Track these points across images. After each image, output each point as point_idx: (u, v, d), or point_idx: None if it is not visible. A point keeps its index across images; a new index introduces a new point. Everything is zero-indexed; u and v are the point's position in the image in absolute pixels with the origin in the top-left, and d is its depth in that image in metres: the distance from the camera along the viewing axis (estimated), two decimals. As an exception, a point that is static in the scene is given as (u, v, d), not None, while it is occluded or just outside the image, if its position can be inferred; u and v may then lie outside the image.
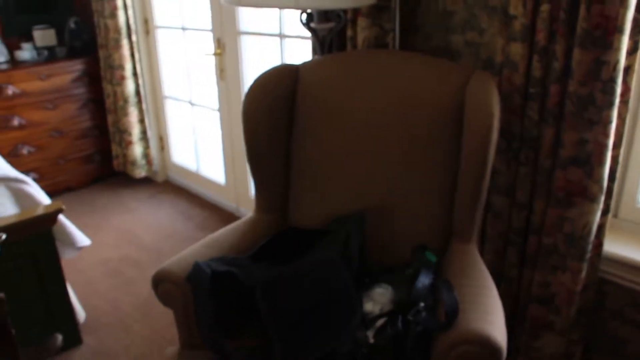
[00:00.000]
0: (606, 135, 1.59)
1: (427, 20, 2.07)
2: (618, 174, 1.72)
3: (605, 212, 1.73)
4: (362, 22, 2.03)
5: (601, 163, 1.63)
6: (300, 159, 1.88)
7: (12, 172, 2.32)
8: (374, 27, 2.03)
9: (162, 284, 1.59)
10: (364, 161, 1.79)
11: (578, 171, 1.66)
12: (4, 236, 1.86)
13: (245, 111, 1.81)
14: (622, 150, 1.67)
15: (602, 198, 1.69)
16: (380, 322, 1.41)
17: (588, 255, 1.76)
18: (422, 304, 1.40)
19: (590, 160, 1.64)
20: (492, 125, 1.53)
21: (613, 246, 1.83)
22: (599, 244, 1.78)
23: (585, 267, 1.78)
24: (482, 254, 2.00)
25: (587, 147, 1.63)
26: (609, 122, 1.58)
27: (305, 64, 1.90)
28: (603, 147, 1.61)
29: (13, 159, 3.69)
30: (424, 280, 1.42)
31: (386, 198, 1.76)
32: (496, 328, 1.28)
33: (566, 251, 1.76)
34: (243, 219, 1.92)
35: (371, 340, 1.37)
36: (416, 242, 1.69)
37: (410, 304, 1.39)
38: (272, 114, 1.82)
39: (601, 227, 1.76)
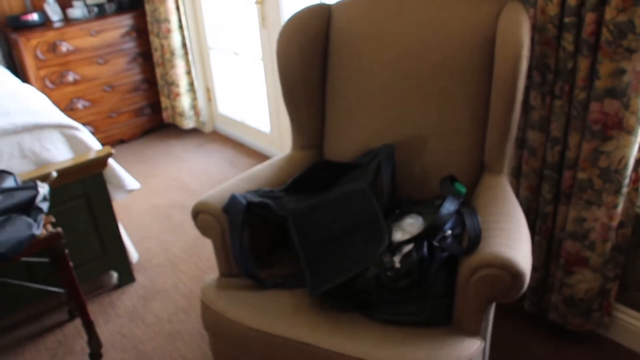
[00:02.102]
0: (645, 64, 1.55)
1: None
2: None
3: (643, 145, 1.70)
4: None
5: (639, 93, 1.59)
6: (334, 96, 1.91)
7: (65, 119, 2.44)
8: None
9: (200, 214, 1.67)
10: (396, 96, 1.80)
11: (615, 102, 1.63)
12: (55, 174, 1.98)
13: (279, 49, 1.84)
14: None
15: (640, 130, 1.65)
16: (407, 248, 1.44)
17: (624, 189, 1.74)
18: (448, 231, 1.43)
19: (627, 91, 1.60)
20: (520, 54, 1.51)
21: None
22: (636, 178, 1.75)
23: (621, 202, 1.75)
24: (517, 191, 2.00)
25: (624, 77, 1.59)
26: (648, 50, 1.53)
27: (337, 3, 1.91)
28: (640, 76, 1.57)
29: (69, 113, 3.86)
30: (449, 207, 1.44)
31: (418, 131, 1.77)
32: (519, 252, 1.30)
33: (601, 186, 1.74)
34: (280, 155, 1.97)
35: (397, 265, 1.41)
36: (447, 172, 1.70)
37: (437, 230, 1.42)
38: (305, 52, 1.85)
39: (639, 161, 1.72)
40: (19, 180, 1.93)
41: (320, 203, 1.60)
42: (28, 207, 1.79)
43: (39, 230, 1.73)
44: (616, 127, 1.65)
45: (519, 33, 1.52)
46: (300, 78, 1.86)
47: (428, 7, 1.76)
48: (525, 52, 1.53)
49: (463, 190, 1.58)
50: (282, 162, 1.89)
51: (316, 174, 1.75)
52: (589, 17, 1.59)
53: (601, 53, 1.59)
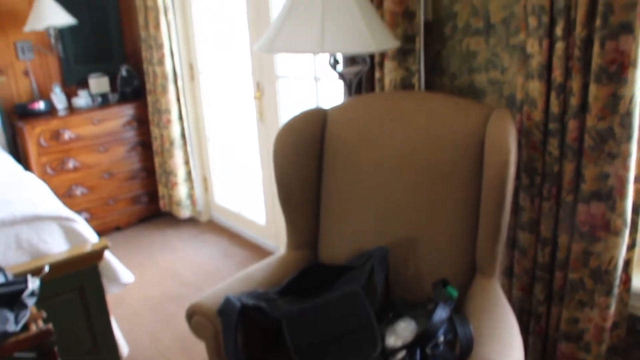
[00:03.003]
0: (626, 168, 1.60)
1: (452, 60, 2.14)
2: (644, 208, 1.72)
3: (631, 246, 1.72)
4: (388, 64, 2.11)
5: (623, 196, 1.63)
6: (328, 197, 1.96)
7: (63, 211, 2.47)
8: (400, 69, 2.11)
9: (195, 316, 1.67)
10: (388, 197, 1.85)
11: (601, 205, 1.67)
12: (47, 269, 1.99)
13: (276, 153, 1.90)
14: (645, 183, 1.68)
15: (627, 232, 1.68)
16: (400, 354, 1.44)
17: (616, 290, 1.75)
18: (441, 338, 1.43)
19: (612, 194, 1.65)
20: (508, 160, 1.56)
21: (645, 282, 1.81)
22: (627, 279, 1.77)
23: (613, 302, 1.76)
24: (510, 291, 2.01)
25: (608, 181, 1.64)
26: (629, 155, 1.59)
27: (333, 107, 2.00)
28: (624, 181, 1.61)
29: (67, 200, 3.90)
30: (441, 313, 1.45)
31: (410, 233, 1.80)
32: (511, 360, 1.30)
33: (593, 287, 1.75)
34: (275, 256, 2.00)
35: (390, 371, 1.40)
36: (439, 277, 1.72)
37: (429, 337, 1.42)
38: (301, 155, 1.91)
39: (628, 262, 1.74)
40: (10, 274, 1.93)
41: (314, 306, 1.61)
42: (13, 301, 1.77)
43: (17, 327, 1.70)
44: (604, 229, 1.69)
45: (506, 140, 1.58)
46: (295, 181, 1.91)
47: (419, 113, 1.84)
48: (513, 159, 1.58)
49: (455, 294, 1.59)
50: (277, 263, 1.91)
51: (310, 276, 1.77)
52: (572, 124, 1.66)
53: (585, 158, 1.65)
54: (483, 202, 1.67)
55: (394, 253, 1.81)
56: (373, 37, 1.79)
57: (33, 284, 1.80)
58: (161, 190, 4.32)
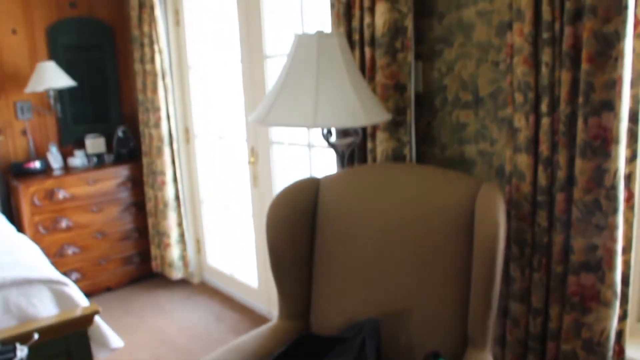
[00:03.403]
0: (614, 240, 1.63)
1: (442, 132, 2.20)
2: (633, 278, 1.73)
3: (623, 317, 1.73)
4: (380, 135, 2.17)
5: (612, 268, 1.65)
6: (320, 267, 1.96)
7: (54, 275, 2.46)
8: (391, 140, 2.16)
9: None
10: (380, 268, 1.86)
11: (590, 277, 1.68)
12: (36, 336, 1.97)
13: (268, 223, 1.93)
14: (632, 254, 1.70)
15: (618, 303, 1.69)
16: None
17: (609, 362, 1.74)
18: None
19: (601, 266, 1.66)
20: (497, 234, 1.59)
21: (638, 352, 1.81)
22: (620, 350, 1.76)
23: (606, 375, 1.75)
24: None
25: (597, 252, 1.66)
26: (616, 227, 1.62)
27: (325, 178, 2.03)
28: (612, 253, 1.64)
29: (59, 259, 3.88)
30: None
31: (402, 304, 1.80)
32: None
33: (586, 358, 1.75)
34: (266, 325, 1.98)
35: None
36: (431, 349, 1.71)
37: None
38: (294, 225, 1.93)
39: (621, 333, 1.75)
40: None
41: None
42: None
43: None
44: (594, 300, 1.70)
45: (496, 214, 1.61)
46: (288, 251, 1.93)
47: (410, 185, 1.87)
48: (502, 232, 1.61)
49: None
50: (268, 333, 1.90)
51: (301, 347, 1.75)
52: (560, 197, 1.69)
53: (574, 229, 1.68)
54: (474, 274, 1.68)
55: (386, 324, 1.80)
56: (365, 111, 1.85)
57: (21, 352, 1.78)
58: (154, 251, 4.31)
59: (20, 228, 3.65)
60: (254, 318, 3.63)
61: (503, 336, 1.98)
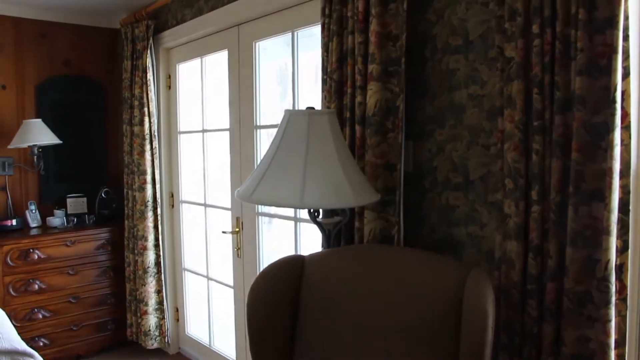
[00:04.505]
0: (607, 333, 1.58)
1: (431, 213, 2.18)
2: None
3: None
4: (368, 215, 2.14)
5: (605, 362, 1.60)
6: (303, 348, 1.89)
7: (20, 345, 2.35)
8: (379, 220, 2.13)
9: None
10: (366, 351, 1.79)
11: (582, 370, 1.63)
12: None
13: (249, 303, 1.88)
14: (627, 349, 1.65)
15: (610, 400, 1.63)
16: None
17: None
18: None
19: (593, 359, 1.61)
20: (486, 324, 1.54)
21: None
22: None
23: None
24: None
25: (589, 345, 1.61)
26: (608, 320, 1.58)
27: (310, 257, 1.99)
28: (605, 346, 1.59)
29: (27, 323, 3.73)
30: None
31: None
32: None
33: None
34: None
35: None
36: None
37: None
38: (276, 307, 1.89)
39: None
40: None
41: None
42: None
43: None
44: (586, 396, 1.63)
45: (484, 303, 1.57)
46: (268, 332, 1.87)
47: (396, 268, 1.83)
48: (491, 323, 1.56)
49: None
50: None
51: None
52: (550, 286, 1.66)
53: (564, 320, 1.64)
54: (462, 362, 1.62)
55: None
56: (353, 192, 1.83)
57: None
58: (129, 318, 4.16)
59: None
60: (231, 394, 3.48)
61: None
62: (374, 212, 2.14)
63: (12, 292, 3.73)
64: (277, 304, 1.87)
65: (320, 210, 2.07)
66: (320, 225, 2.07)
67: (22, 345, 2.34)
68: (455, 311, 1.68)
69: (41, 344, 3.81)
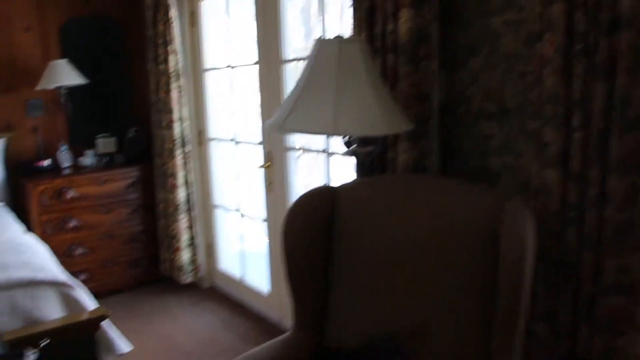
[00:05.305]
0: (648, 263, 1.56)
1: (465, 143, 2.13)
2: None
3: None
4: (401, 145, 2.10)
5: (643, 293, 1.58)
6: (337, 278, 1.90)
7: (62, 277, 2.41)
8: (413, 150, 2.10)
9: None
10: (399, 282, 1.79)
11: (622, 299, 1.61)
12: (46, 341, 1.92)
13: (285, 231, 1.88)
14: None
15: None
16: None
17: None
18: None
19: (634, 288, 1.59)
20: (526, 252, 1.52)
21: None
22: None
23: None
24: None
25: (630, 274, 1.59)
26: (651, 248, 1.55)
27: (344, 186, 1.97)
28: (646, 275, 1.57)
29: (66, 260, 3.82)
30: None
31: (420, 321, 1.74)
32: None
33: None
34: (281, 337, 1.93)
35: None
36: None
37: None
38: (310, 235, 1.88)
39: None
40: (4, 349, 1.87)
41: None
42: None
43: None
44: (627, 323, 1.62)
45: (524, 231, 1.54)
46: (304, 260, 1.87)
47: (432, 197, 1.81)
48: (531, 250, 1.54)
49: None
50: (281, 345, 1.84)
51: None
52: (590, 215, 1.63)
53: (605, 250, 1.61)
54: (499, 292, 1.61)
55: (404, 340, 1.73)
56: (386, 120, 1.79)
57: (32, 357, 1.74)
58: (163, 254, 4.25)
59: (28, 227, 3.60)
60: (264, 326, 3.57)
61: (527, 357, 1.91)
62: (407, 143, 2.10)
63: (50, 230, 3.83)
64: (311, 231, 1.87)
65: (354, 140, 2.04)
66: (354, 154, 2.04)
67: (64, 277, 2.41)
68: (493, 240, 1.65)
69: (81, 278, 3.92)
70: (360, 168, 2.11)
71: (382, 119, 1.78)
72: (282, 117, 1.81)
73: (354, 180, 2.02)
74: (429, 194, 1.85)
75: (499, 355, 1.65)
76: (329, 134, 1.75)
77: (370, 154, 2.07)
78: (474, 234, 1.70)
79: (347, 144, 2.04)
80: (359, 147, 2.06)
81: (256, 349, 1.81)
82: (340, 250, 1.90)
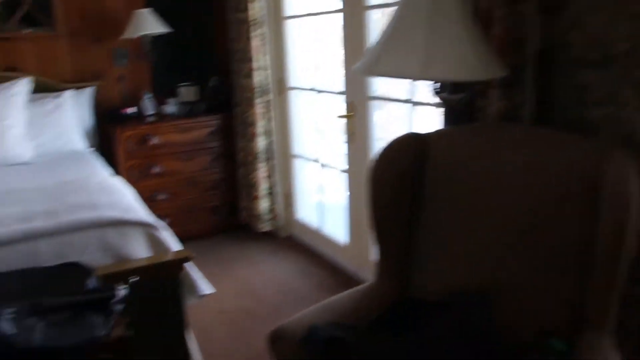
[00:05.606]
0: None
1: (563, 93, 1.99)
2: None
3: None
4: (493, 93, 1.99)
5: None
6: (424, 228, 1.86)
7: (149, 218, 2.48)
8: (505, 99, 1.98)
9: (278, 342, 1.61)
10: (490, 235, 1.72)
11: None
12: (136, 278, 1.98)
13: (372, 181, 1.84)
14: None
15: None
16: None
17: None
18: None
19: None
20: (630, 207, 1.41)
21: None
22: None
23: None
24: (620, 349, 1.82)
25: None
26: None
27: (434, 134, 1.90)
28: None
29: (150, 204, 3.92)
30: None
31: (510, 276, 1.67)
32: None
33: None
34: (363, 285, 1.91)
35: None
36: (542, 326, 1.57)
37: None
38: (397, 184, 1.83)
39: None
40: (98, 282, 1.94)
41: (405, 346, 1.50)
42: (102, 307, 1.79)
43: (102, 332, 1.71)
44: None
45: (630, 189, 1.44)
46: (391, 209, 1.84)
47: (526, 149, 1.71)
48: (635, 213, 1.42)
49: (562, 348, 1.44)
50: (365, 293, 1.83)
51: (401, 312, 1.67)
52: None
53: None
54: (599, 248, 1.51)
55: (492, 292, 1.67)
56: (481, 65, 1.69)
57: (122, 292, 1.81)
58: (242, 202, 4.32)
59: (116, 172, 3.73)
60: (341, 276, 3.58)
61: (623, 323, 1.80)
62: (499, 91, 1.98)
63: (136, 176, 3.95)
64: (399, 179, 1.82)
65: (444, 86, 1.95)
66: (444, 101, 1.96)
67: (151, 218, 2.48)
68: (593, 194, 1.55)
69: (164, 223, 4.05)
70: (449, 116, 2.02)
71: (476, 64, 1.69)
72: (371, 61, 1.74)
73: (444, 128, 1.94)
74: (524, 143, 1.75)
75: (594, 314, 1.56)
76: (420, 78, 1.67)
77: (460, 101, 1.98)
78: (571, 186, 1.60)
79: (439, 90, 1.94)
80: (449, 94, 1.97)
81: (338, 296, 1.81)
82: (428, 199, 1.84)
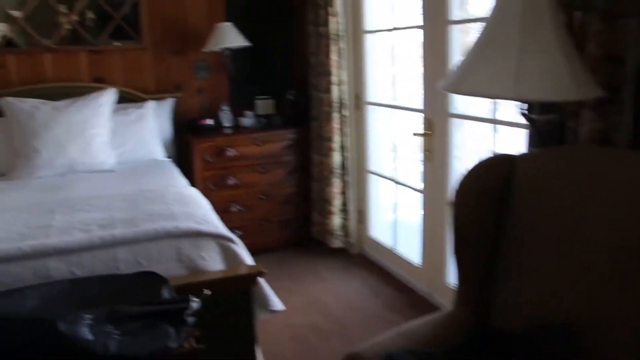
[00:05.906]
0: None
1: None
2: None
3: None
4: (586, 114, 1.87)
5: None
6: (508, 254, 1.76)
7: (224, 230, 2.49)
8: (600, 121, 1.86)
9: (351, 366, 1.55)
10: (578, 264, 1.60)
11: None
12: (209, 292, 1.98)
13: (456, 202, 1.77)
14: None
15: None
16: None
17: None
18: None
19: None
20: None
21: None
22: None
23: None
24: None
25: None
26: None
27: (523, 156, 1.81)
28: None
29: (224, 215, 3.97)
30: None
31: (605, 304, 1.54)
32: None
33: None
34: (440, 312, 1.84)
35: None
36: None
37: None
38: (483, 209, 1.76)
39: None
40: (172, 293, 1.95)
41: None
42: (175, 318, 1.79)
43: (175, 344, 1.71)
44: None
45: None
46: (474, 232, 1.75)
47: (625, 177, 1.58)
48: None
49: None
50: (442, 320, 1.75)
51: (481, 342, 1.58)
52: None
53: None
54: None
55: (576, 330, 1.55)
56: (575, 84, 1.59)
57: (195, 304, 1.81)
58: (315, 217, 4.30)
59: (192, 182, 3.80)
60: (413, 297, 3.48)
61: None
62: (593, 111, 1.86)
63: (211, 186, 4.02)
64: (484, 204, 1.74)
65: (534, 107, 1.86)
66: (532, 122, 1.86)
67: (226, 231, 2.49)
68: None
69: (237, 234, 4.09)
70: (535, 137, 1.92)
71: (570, 84, 1.59)
72: (457, 78, 1.68)
73: (533, 150, 1.84)
74: (621, 169, 1.62)
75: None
76: (510, 98, 1.59)
77: (550, 122, 1.87)
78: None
79: (527, 110, 1.85)
80: (538, 114, 1.87)
81: (416, 322, 1.74)
82: (516, 224, 1.74)
